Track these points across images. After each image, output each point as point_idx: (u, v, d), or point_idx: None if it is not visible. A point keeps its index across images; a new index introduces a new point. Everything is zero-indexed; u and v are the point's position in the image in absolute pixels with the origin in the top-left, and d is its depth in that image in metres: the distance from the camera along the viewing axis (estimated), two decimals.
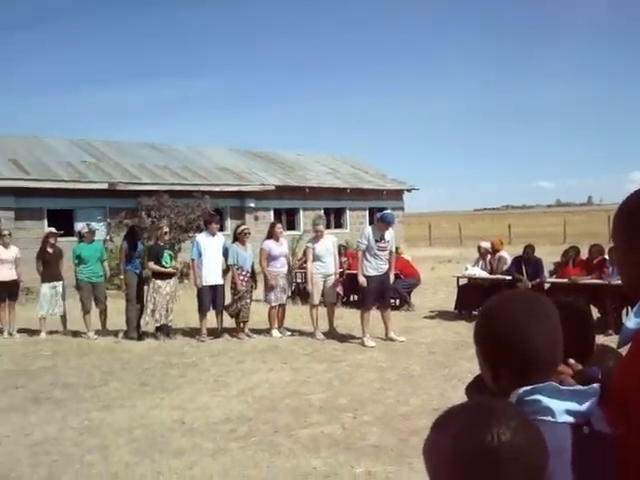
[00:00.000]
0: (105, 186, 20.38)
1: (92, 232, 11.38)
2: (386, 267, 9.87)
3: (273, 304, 10.65)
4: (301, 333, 10.74)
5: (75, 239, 12.00)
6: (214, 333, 10.61)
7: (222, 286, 10.73)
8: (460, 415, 1.22)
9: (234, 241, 10.76)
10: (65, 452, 5.46)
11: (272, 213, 24.68)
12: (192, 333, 10.80)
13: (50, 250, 11.24)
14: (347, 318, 11.65)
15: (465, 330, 9.97)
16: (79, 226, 19.91)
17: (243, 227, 11.06)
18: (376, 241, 9.71)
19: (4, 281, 11.29)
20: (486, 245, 12.53)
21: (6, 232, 11.71)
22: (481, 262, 12.38)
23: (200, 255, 10.56)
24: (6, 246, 11.43)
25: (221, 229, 15.18)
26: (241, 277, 10.52)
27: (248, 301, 10.62)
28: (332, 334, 10.42)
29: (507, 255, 12.18)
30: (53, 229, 11.70)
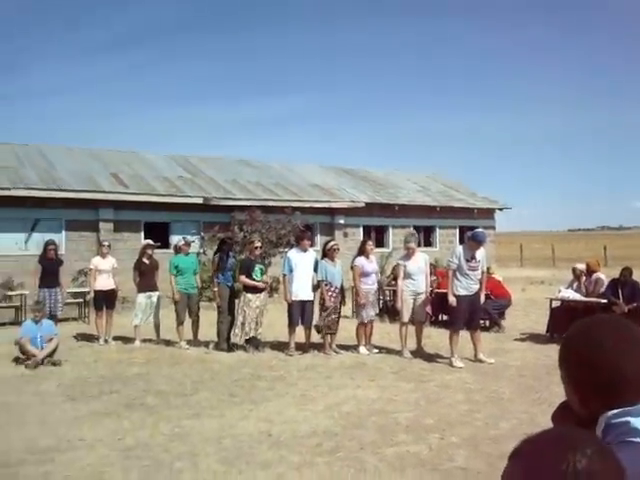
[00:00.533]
0: (200, 200, 20.93)
1: (188, 244, 11.71)
2: (477, 287, 9.71)
3: (365, 321, 10.65)
4: (388, 351, 10.68)
5: (170, 251, 12.36)
6: (302, 348, 10.68)
7: (312, 302, 10.81)
8: (536, 443, 1.19)
9: (323, 257, 10.82)
10: (156, 458, 5.60)
11: (361, 230, 24.72)
12: (280, 347, 10.91)
13: (146, 261, 11.62)
14: (435, 337, 11.52)
15: (557, 354, 9.67)
16: (174, 239, 20.59)
17: (332, 243, 11.11)
18: (467, 260, 9.58)
19: (102, 290, 11.77)
20: (581, 267, 12.17)
21: (106, 243, 12.20)
22: (575, 284, 12.03)
23: (291, 270, 10.67)
24: (105, 256, 11.91)
25: (311, 245, 15.30)
26: (330, 293, 10.57)
27: (336, 317, 10.66)
28: (420, 353, 10.33)
29: (604, 277, 11.78)
30: (150, 241, 12.09)
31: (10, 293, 16.16)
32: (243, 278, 10.67)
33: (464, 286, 9.59)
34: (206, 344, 11.19)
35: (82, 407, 7.35)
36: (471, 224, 24.51)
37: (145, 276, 11.56)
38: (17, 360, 9.90)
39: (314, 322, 10.71)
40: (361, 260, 10.73)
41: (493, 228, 28.68)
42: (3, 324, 14.30)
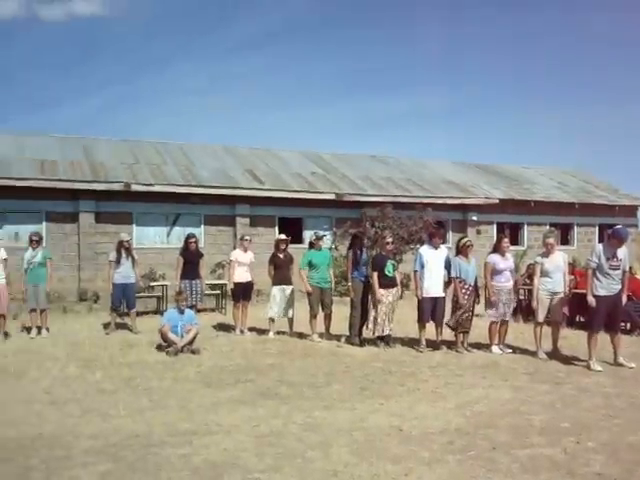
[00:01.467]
0: (332, 196, 21.21)
1: (321, 239, 11.87)
2: (618, 287, 9.26)
3: (494, 319, 10.43)
4: (522, 351, 10.40)
5: (303, 246, 12.58)
6: (433, 345, 10.61)
7: (443, 298, 10.70)
8: None
9: (457, 254, 10.69)
10: (288, 446, 5.73)
11: (495, 227, 24.20)
12: (411, 343, 10.87)
13: (281, 255, 11.90)
14: (572, 339, 11.10)
15: None
16: (307, 234, 20.97)
17: (466, 239, 10.93)
18: (607, 259, 9.15)
19: (240, 282, 12.18)
20: None
21: (247, 238, 12.58)
22: None
23: (422, 267, 10.61)
24: (245, 250, 12.32)
25: (443, 242, 15.13)
26: (463, 290, 10.42)
27: (469, 315, 10.51)
28: (555, 355, 9.99)
29: None
30: (284, 236, 12.34)
31: (153, 284, 17.01)
32: (375, 274, 10.70)
33: (604, 286, 9.17)
34: (338, 338, 11.33)
35: (219, 394, 7.64)
36: (611, 222, 23.40)
37: (280, 270, 11.83)
38: (159, 347, 10.42)
39: (447, 320, 10.61)
40: (494, 257, 10.50)
41: (635, 226, 27.25)
42: (146, 313, 15.09)
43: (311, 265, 11.54)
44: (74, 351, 10.18)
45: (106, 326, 12.72)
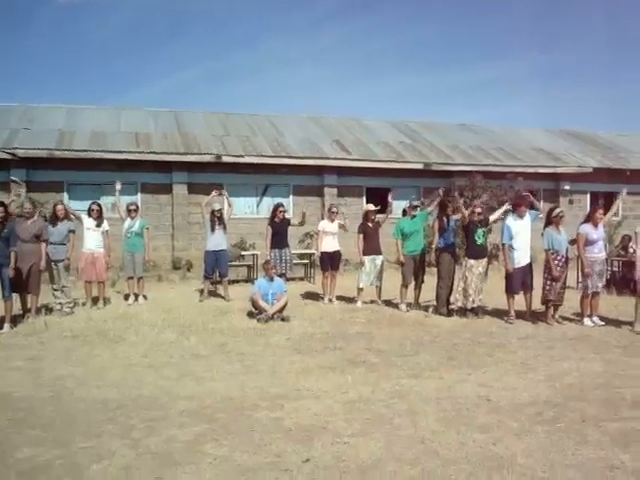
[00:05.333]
0: (420, 166, 21.02)
1: (414, 207, 11.83)
2: None
3: (589, 291, 10.22)
4: (616, 324, 10.16)
5: (390, 216, 12.52)
6: (522, 316, 10.48)
7: (531, 265, 10.54)
8: None
9: (547, 224, 10.47)
10: (376, 412, 5.84)
11: (588, 197, 23.45)
12: (499, 314, 10.78)
13: (370, 225, 11.94)
14: None
15: None
16: (395, 204, 20.91)
17: (558, 210, 10.68)
18: None
19: (328, 252, 12.31)
20: None
21: (334, 209, 12.68)
22: None
23: (511, 238, 10.46)
24: (332, 220, 12.43)
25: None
26: (556, 262, 10.23)
27: (561, 286, 10.32)
28: None
29: None
30: (372, 206, 12.35)
31: (244, 253, 17.38)
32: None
33: None
34: (425, 308, 11.34)
35: (309, 360, 7.81)
36: None
37: (369, 240, 11.88)
38: (250, 314, 10.70)
39: (543, 296, 10.41)
40: (586, 227, 10.25)
41: None
42: (237, 281, 15.47)
43: (403, 234, 11.53)
44: (169, 317, 10.58)
45: (199, 293, 13.12)
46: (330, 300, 12.29)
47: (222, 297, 12.89)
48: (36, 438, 5.24)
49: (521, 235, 10.45)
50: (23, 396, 6.46)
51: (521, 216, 10.64)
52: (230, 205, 13.77)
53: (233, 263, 15.47)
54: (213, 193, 13.28)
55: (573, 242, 10.67)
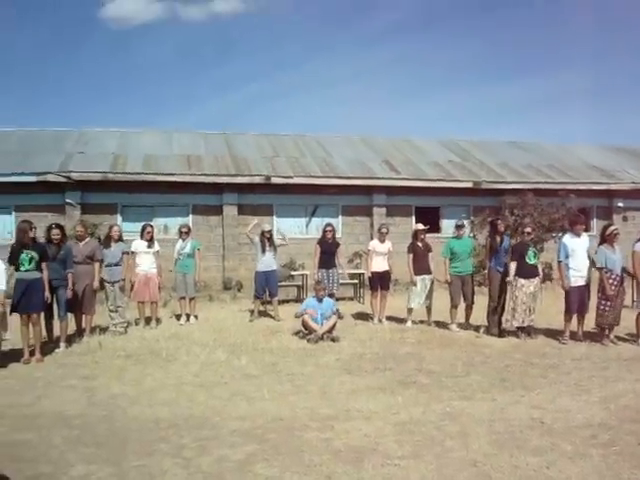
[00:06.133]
0: (470, 185, 20.88)
1: (460, 227, 11.73)
2: None
3: None
4: None
5: (441, 235, 12.49)
6: (575, 337, 10.28)
7: (588, 287, 10.35)
8: None
9: (602, 243, 10.28)
10: (427, 434, 5.79)
11: None
12: (553, 334, 10.58)
13: (420, 245, 11.89)
14: None
15: None
16: (444, 223, 20.81)
17: (612, 228, 10.48)
18: None
19: (378, 272, 12.28)
20: None
21: (384, 230, 12.67)
22: None
23: (567, 256, 10.30)
24: (382, 241, 12.42)
25: (586, 230, 14.56)
26: (610, 280, 10.02)
27: (617, 306, 10.10)
28: None
29: None
30: (422, 225, 12.29)
31: (293, 273, 17.46)
32: (512, 264, 10.49)
33: None
34: (477, 328, 11.22)
35: (359, 381, 7.79)
36: None
37: (419, 259, 11.83)
38: (300, 334, 10.73)
39: (598, 320, 10.21)
40: None
41: None
42: (287, 301, 15.54)
43: (452, 253, 11.46)
44: (220, 337, 10.68)
45: (250, 313, 13.22)
46: (380, 320, 12.25)
47: (272, 317, 12.96)
48: (90, 456, 5.34)
49: (577, 253, 10.27)
50: (77, 414, 6.59)
51: (578, 234, 10.47)
52: (284, 240, 13.79)
53: (283, 283, 15.55)
54: (255, 221, 13.41)
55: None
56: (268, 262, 12.84)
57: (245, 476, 4.85)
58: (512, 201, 19.07)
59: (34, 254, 9.26)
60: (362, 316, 12.99)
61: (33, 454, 5.37)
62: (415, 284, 11.79)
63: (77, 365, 8.91)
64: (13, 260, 9.23)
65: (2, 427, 6.19)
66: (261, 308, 13.35)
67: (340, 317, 11.05)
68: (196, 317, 12.61)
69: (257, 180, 19.55)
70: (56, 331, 10.23)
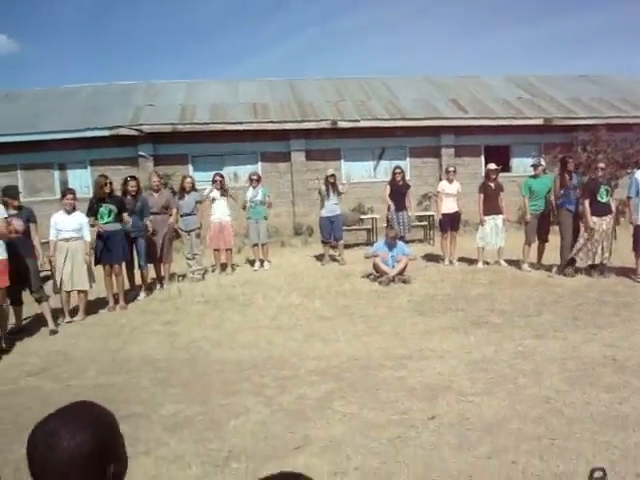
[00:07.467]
0: (540, 122, 20.39)
1: (535, 167, 11.53)
2: None
3: None
4: None
5: (512, 174, 12.33)
6: None
7: None
8: None
9: None
10: (500, 372, 5.93)
11: None
12: (626, 273, 10.45)
13: (491, 184, 11.82)
14: None
15: None
16: (514, 162, 20.49)
17: None
18: None
19: (448, 213, 12.29)
20: None
21: (451, 169, 12.62)
22: None
23: (637, 193, 10.09)
24: (450, 181, 12.39)
25: None
26: None
27: None
28: None
29: None
30: (494, 165, 12.17)
31: (363, 217, 17.57)
32: (586, 202, 10.34)
33: None
34: (549, 268, 11.17)
35: (431, 321, 7.96)
36: None
37: (489, 199, 11.77)
38: (371, 277, 10.92)
39: None
40: None
41: None
42: (357, 245, 15.72)
43: (531, 192, 11.34)
44: (294, 281, 10.97)
45: (320, 258, 13.46)
46: (450, 262, 12.31)
47: (338, 261, 13.14)
48: (177, 396, 5.69)
49: None
50: (163, 358, 6.98)
51: None
52: (344, 187, 13.45)
53: (352, 227, 15.69)
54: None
55: None
56: (332, 207, 12.95)
57: (325, 413, 5.10)
58: (584, 137, 18.59)
59: (112, 207, 9.66)
60: (433, 258, 13.06)
61: (124, 396, 5.75)
62: (483, 224, 11.78)
63: (159, 311, 9.35)
64: (92, 213, 9.64)
65: (93, 371, 6.63)
66: (331, 252, 13.55)
67: (413, 259, 11.11)
68: (269, 262, 12.90)
69: (323, 125, 19.55)
70: (137, 280, 10.69)
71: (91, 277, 9.35)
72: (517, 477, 3.90)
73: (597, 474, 1.40)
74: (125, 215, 9.77)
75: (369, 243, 15.31)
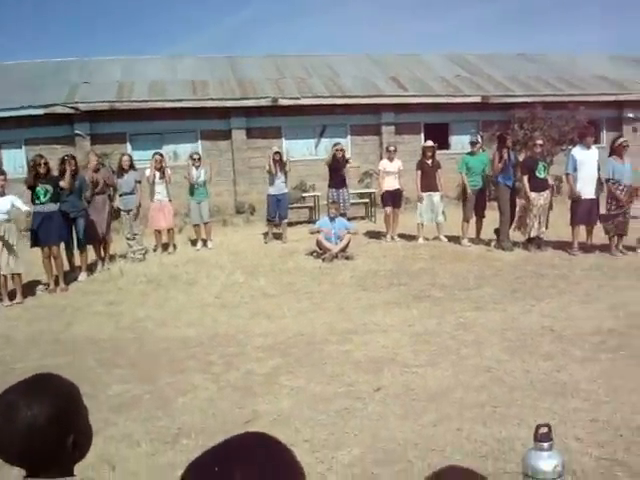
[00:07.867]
0: (478, 99, 20.68)
1: (473, 144, 11.74)
2: None
3: None
4: None
5: (449, 152, 12.50)
6: (585, 248, 10.46)
7: (596, 200, 10.46)
8: None
9: (611, 154, 10.33)
10: (442, 344, 6.07)
11: None
12: (563, 246, 10.75)
13: (428, 162, 11.98)
14: None
15: None
16: (453, 139, 20.76)
17: (622, 139, 10.52)
18: None
19: (389, 190, 12.41)
20: None
21: (392, 148, 12.73)
22: None
23: (575, 169, 10.37)
24: (391, 160, 12.50)
25: (596, 141, 14.55)
26: (618, 191, 10.12)
27: (625, 217, 10.24)
28: None
29: None
30: (430, 142, 12.34)
31: (304, 194, 17.59)
32: (524, 178, 10.59)
33: None
34: (487, 242, 11.40)
35: (374, 296, 8.07)
36: None
37: (427, 176, 11.93)
38: (314, 254, 10.97)
39: (604, 223, 10.36)
40: None
41: None
42: (300, 222, 15.75)
43: (468, 169, 11.53)
44: (237, 260, 10.94)
45: (264, 236, 13.44)
46: (392, 238, 12.44)
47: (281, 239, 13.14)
48: (124, 376, 5.66)
49: (586, 166, 10.31)
50: (107, 338, 6.92)
51: (587, 146, 10.51)
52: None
53: (294, 205, 15.70)
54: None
55: None
56: (279, 185, 12.93)
57: (272, 387, 5.15)
58: (521, 115, 18.96)
59: (49, 187, 9.43)
60: (374, 234, 13.17)
61: (70, 377, 5.63)
62: (421, 200, 11.95)
63: (101, 292, 9.22)
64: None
65: (37, 353, 6.52)
66: (275, 231, 13.54)
67: (354, 233, 11.20)
68: (212, 241, 12.81)
69: (264, 102, 19.42)
70: (76, 261, 10.50)
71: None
72: (461, 443, 4.02)
73: (542, 430, 1.47)
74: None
75: (311, 221, 15.34)
